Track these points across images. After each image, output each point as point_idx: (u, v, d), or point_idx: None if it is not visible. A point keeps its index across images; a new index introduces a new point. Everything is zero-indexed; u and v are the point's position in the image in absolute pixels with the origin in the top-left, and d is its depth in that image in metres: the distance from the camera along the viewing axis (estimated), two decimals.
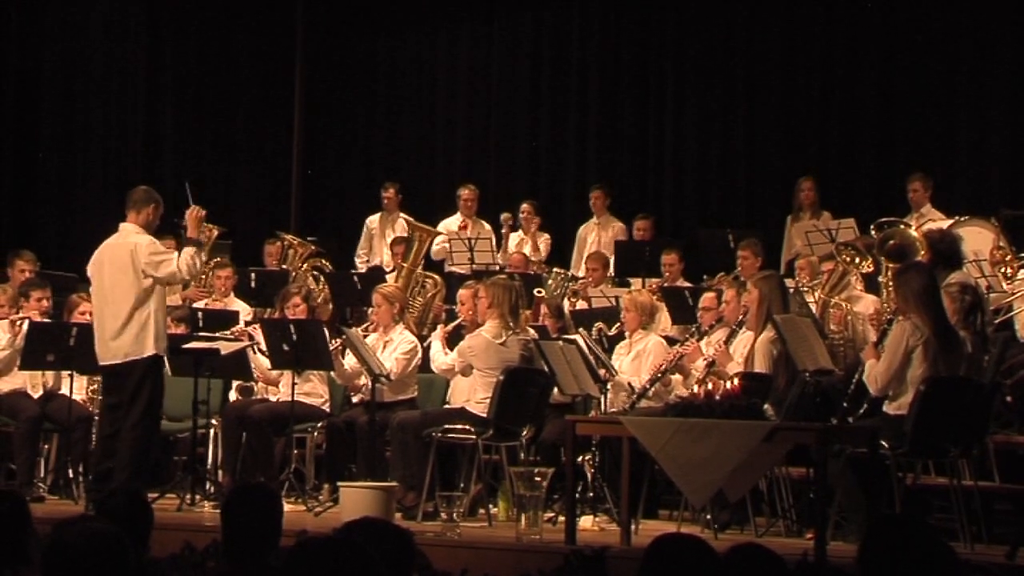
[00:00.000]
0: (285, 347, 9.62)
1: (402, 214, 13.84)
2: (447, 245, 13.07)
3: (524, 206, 13.71)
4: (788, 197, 13.05)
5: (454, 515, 8.23)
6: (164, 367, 9.42)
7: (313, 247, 13.25)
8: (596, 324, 10.35)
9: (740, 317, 9.28)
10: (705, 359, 9.26)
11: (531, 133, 15.45)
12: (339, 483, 8.93)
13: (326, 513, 9.08)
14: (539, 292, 11.56)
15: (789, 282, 10.32)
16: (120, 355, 9.08)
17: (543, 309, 10.93)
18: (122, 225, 9.30)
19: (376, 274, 13.10)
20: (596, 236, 13.64)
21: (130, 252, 9.08)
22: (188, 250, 9.16)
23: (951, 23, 13.51)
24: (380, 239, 14.08)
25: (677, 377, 9.55)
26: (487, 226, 13.63)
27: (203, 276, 12.15)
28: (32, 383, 10.30)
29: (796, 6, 14.27)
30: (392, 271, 13.08)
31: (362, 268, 13.73)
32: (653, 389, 9.41)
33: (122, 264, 9.10)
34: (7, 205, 15.10)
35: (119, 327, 9.05)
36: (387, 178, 14.60)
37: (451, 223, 13.68)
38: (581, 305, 11.97)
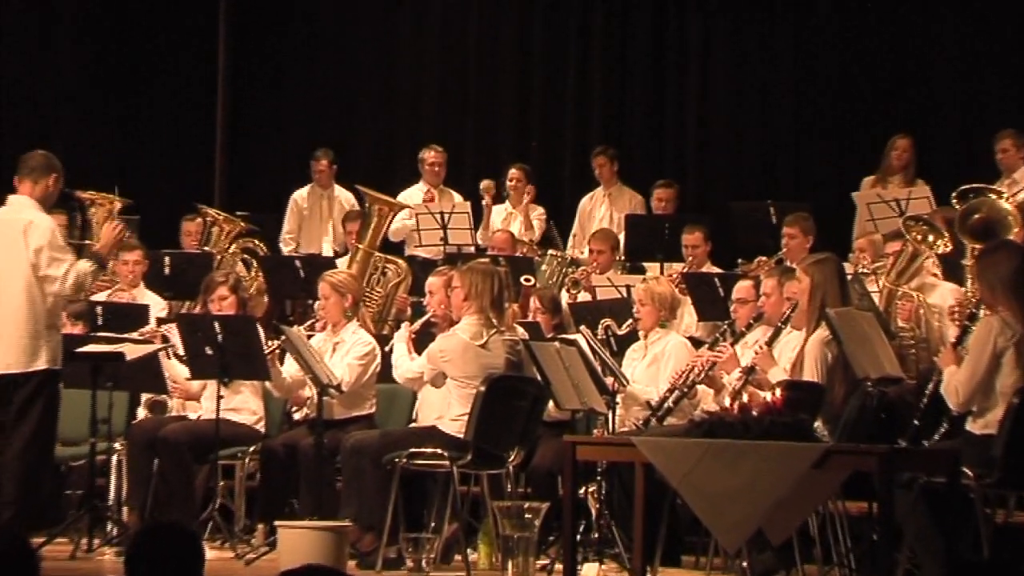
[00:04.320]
0: (208, 351, 9.64)
1: (343, 185, 13.83)
2: (411, 221, 13.02)
3: (512, 172, 13.70)
4: (847, 161, 13.03)
5: (423, 563, 8.32)
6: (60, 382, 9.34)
7: (243, 225, 13.23)
8: (603, 321, 10.35)
9: (785, 313, 9.24)
10: (741, 369, 9.23)
11: (521, 83, 15.42)
12: (277, 522, 8.91)
13: (260, 561, 9.15)
14: (528, 280, 11.54)
15: (846, 267, 10.30)
16: (2, 364, 9.00)
17: (534, 302, 10.92)
18: (12, 197, 9.29)
19: (321, 259, 13.06)
20: (607, 210, 13.61)
21: (23, 229, 9.05)
22: (87, 265, 9.15)
23: None
24: (314, 220, 14.04)
25: (705, 389, 9.53)
26: (458, 197, 13.57)
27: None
28: None
29: None
30: (343, 255, 13.06)
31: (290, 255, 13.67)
32: (674, 403, 9.39)
33: (11, 242, 9.07)
34: None
35: (7, 327, 8.97)
36: (333, 141, 14.54)
37: (413, 194, 13.64)
38: (583, 297, 11.96)
